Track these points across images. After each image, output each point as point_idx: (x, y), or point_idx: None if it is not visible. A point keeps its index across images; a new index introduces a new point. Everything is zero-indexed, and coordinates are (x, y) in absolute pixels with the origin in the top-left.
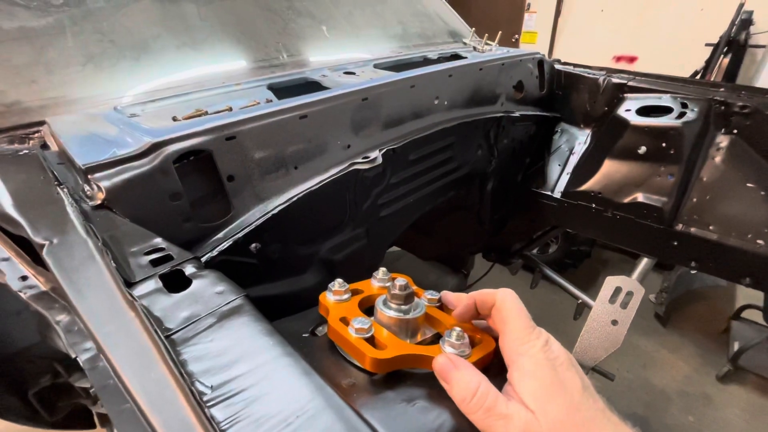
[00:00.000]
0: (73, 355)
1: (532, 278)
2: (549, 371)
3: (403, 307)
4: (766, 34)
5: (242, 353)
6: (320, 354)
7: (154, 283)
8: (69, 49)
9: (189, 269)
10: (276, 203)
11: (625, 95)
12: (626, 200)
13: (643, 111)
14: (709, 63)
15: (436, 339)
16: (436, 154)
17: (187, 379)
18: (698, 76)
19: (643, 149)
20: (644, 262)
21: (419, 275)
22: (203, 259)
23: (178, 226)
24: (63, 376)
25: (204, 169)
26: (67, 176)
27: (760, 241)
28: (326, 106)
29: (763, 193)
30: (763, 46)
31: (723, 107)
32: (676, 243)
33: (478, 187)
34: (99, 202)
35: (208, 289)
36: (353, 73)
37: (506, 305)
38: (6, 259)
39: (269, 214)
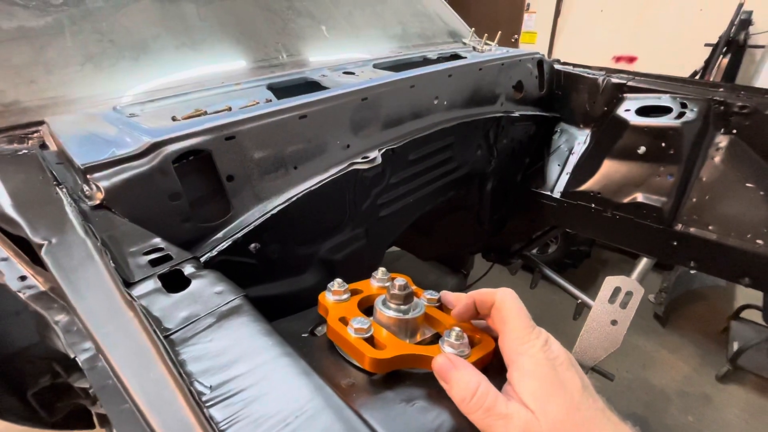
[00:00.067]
0: (72, 356)
1: (531, 278)
2: (549, 371)
3: (402, 307)
4: (766, 34)
5: (241, 353)
6: (319, 354)
7: (153, 283)
8: (68, 48)
9: (188, 269)
10: (275, 203)
11: (625, 95)
12: (626, 200)
13: (643, 111)
14: (709, 63)
15: (436, 339)
16: (436, 154)
17: (186, 379)
18: (698, 76)
19: (642, 149)
20: (644, 262)
21: (419, 275)
22: (202, 259)
23: (178, 226)
24: (62, 377)
25: (203, 169)
26: (66, 176)
27: (759, 241)
28: (326, 106)
29: (762, 193)
30: (763, 47)
31: (722, 107)
32: (675, 243)
33: (477, 187)
34: (98, 202)
35: (207, 289)
36: (353, 73)
37: (506, 305)
38: (5, 259)
39: (268, 214)
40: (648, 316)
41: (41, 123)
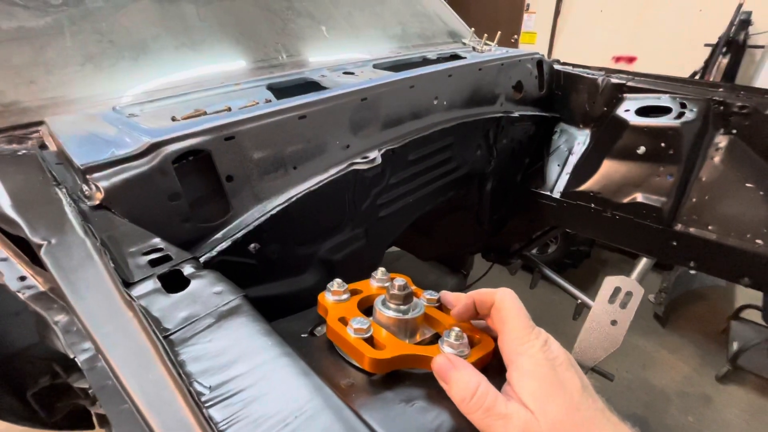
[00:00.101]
0: (72, 356)
1: (531, 278)
2: (548, 371)
3: (401, 307)
4: (765, 34)
5: (241, 353)
6: (319, 354)
7: (152, 284)
8: (68, 49)
9: (187, 269)
10: (275, 203)
11: (624, 95)
12: (625, 200)
13: (642, 111)
14: (708, 63)
15: (435, 339)
16: (436, 154)
17: (186, 379)
18: (697, 77)
19: (642, 149)
20: (643, 262)
21: (419, 275)
22: (202, 260)
23: (177, 226)
24: (62, 377)
25: (203, 170)
26: (66, 176)
27: (759, 241)
28: (325, 106)
29: (762, 193)
30: (762, 47)
31: (722, 107)
32: (675, 243)
33: (477, 187)
34: (97, 202)
35: (207, 290)
36: (352, 74)
37: (505, 305)
38: (4, 260)
39: (268, 215)
40: (648, 316)
41: (41, 123)
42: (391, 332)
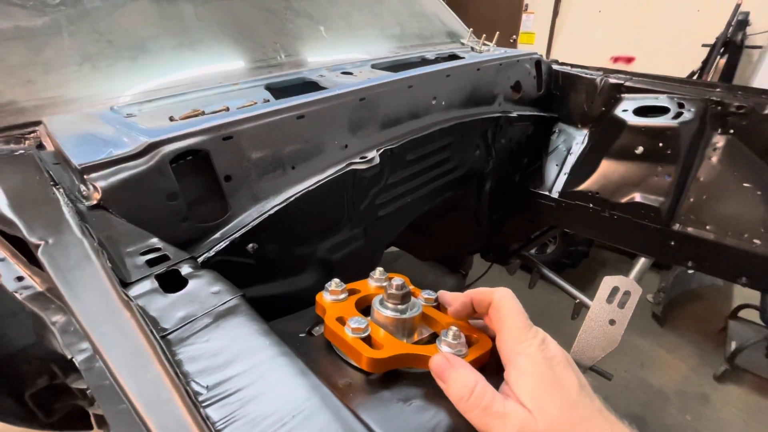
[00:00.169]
0: (69, 356)
1: (530, 278)
2: (546, 370)
3: (399, 306)
4: (763, 34)
5: (238, 353)
6: (317, 354)
7: (150, 284)
8: (65, 48)
9: (185, 269)
10: (273, 203)
11: (622, 95)
12: (624, 200)
13: (640, 111)
14: (706, 63)
15: (433, 338)
16: (434, 154)
17: (183, 379)
18: (695, 77)
19: (640, 149)
20: (641, 262)
21: (417, 275)
22: (200, 260)
23: (175, 226)
24: (59, 378)
25: (201, 169)
26: (63, 176)
27: (756, 241)
28: (324, 106)
29: (759, 192)
30: (760, 47)
31: (719, 107)
32: (673, 243)
33: (475, 187)
34: (95, 202)
35: (204, 289)
36: (351, 73)
37: (503, 304)
38: (1, 260)
39: (266, 214)
40: (646, 315)
41: (38, 123)
42: (389, 332)
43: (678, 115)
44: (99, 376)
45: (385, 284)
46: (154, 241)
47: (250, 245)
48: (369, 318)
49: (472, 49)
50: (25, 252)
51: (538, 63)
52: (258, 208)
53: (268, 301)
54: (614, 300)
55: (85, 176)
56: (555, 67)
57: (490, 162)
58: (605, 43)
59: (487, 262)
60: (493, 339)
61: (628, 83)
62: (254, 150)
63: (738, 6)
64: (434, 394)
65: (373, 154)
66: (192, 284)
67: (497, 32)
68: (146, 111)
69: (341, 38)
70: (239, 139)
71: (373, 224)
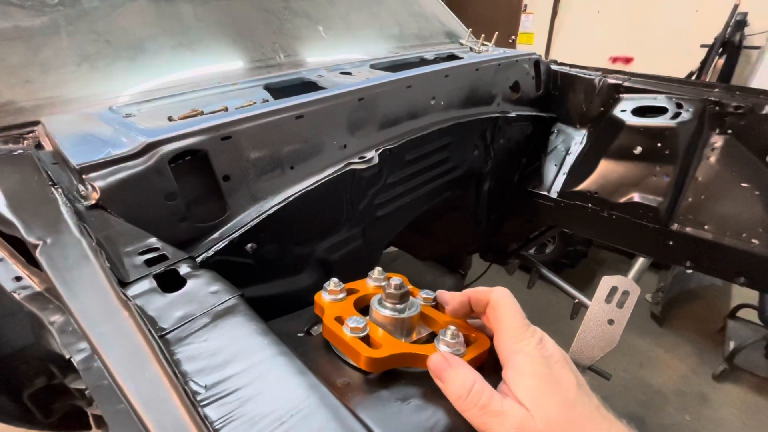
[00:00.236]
0: (67, 356)
1: (529, 278)
2: (544, 369)
3: (398, 306)
4: (761, 35)
5: (236, 353)
6: (315, 353)
7: (148, 283)
8: (64, 48)
9: (184, 269)
10: (272, 203)
11: (621, 96)
12: (622, 200)
13: (639, 111)
14: (704, 64)
15: (432, 338)
16: (433, 154)
17: (181, 378)
18: (693, 77)
19: (638, 149)
20: (640, 262)
21: (416, 275)
22: (199, 259)
23: (174, 226)
24: (58, 378)
25: (199, 169)
26: (62, 176)
27: (754, 241)
28: (322, 106)
29: (757, 192)
30: (758, 47)
31: (717, 107)
32: (671, 243)
33: (474, 187)
34: (93, 202)
35: (203, 289)
36: (350, 74)
37: (501, 304)
38: (0, 260)
39: (265, 214)
40: (645, 315)
41: (37, 123)
42: (387, 331)
43: (676, 115)
44: (97, 375)
45: (383, 284)
46: (153, 240)
47: (249, 245)
48: (367, 317)
49: (471, 49)
50: (24, 252)
51: (536, 63)
52: (257, 208)
53: (266, 301)
54: (613, 300)
55: (83, 176)
56: (554, 67)
57: (489, 162)
58: (604, 43)
59: (486, 262)
60: (491, 338)
61: (626, 83)
62: (253, 150)
63: (736, 6)
64: (432, 393)
65: (372, 154)
66: (190, 284)
67: (496, 32)
68: (145, 111)
69: (340, 38)
70: (238, 139)
71: (371, 224)
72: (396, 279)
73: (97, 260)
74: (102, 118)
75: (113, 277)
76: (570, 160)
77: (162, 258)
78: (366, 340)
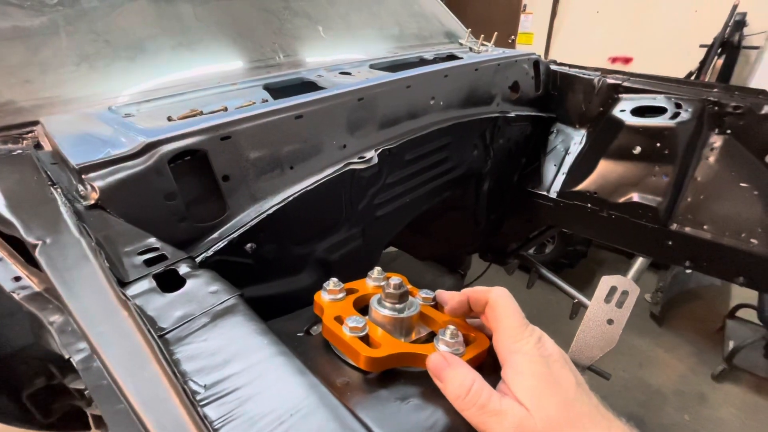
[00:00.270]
0: (67, 356)
1: (528, 278)
2: (542, 368)
3: (397, 306)
4: (760, 35)
5: (236, 352)
6: (315, 353)
7: (147, 283)
8: (63, 48)
9: (183, 269)
10: (271, 203)
11: (620, 96)
12: (621, 200)
13: (638, 111)
14: (703, 64)
15: (431, 338)
16: (432, 154)
17: (180, 378)
18: (693, 77)
19: (637, 149)
20: (639, 262)
21: (416, 275)
22: (198, 259)
23: (173, 226)
24: (57, 378)
25: (199, 169)
26: (61, 176)
27: (753, 240)
28: (322, 106)
29: (756, 192)
30: (757, 48)
31: (716, 107)
32: (670, 242)
33: (473, 187)
34: (93, 202)
35: (202, 289)
36: (349, 74)
37: (500, 303)
38: None
39: (264, 214)
40: (644, 315)
41: (36, 123)
42: (386, 331)
43: (675, 115)
44: (96, 375)
45: (382, 284)
46: (152, 240)
47: (249, 245)
48: (367, 317)
49: (471, 49)
50: (23, 252)
51: (536, 63)
52: (256, 208)
53: (266, 301)
54: (612, 300)
55: (82, 176)
56: (553, 67)
57: (489, 162)
58: (603, 43)
59: (485, 262)
60: (490, 338)
61: (625, 83)
62: (252, 150)
63: (735, 7)
64: (432, 392)
65: (372, 154)
66: (190, 284)
67: (495, 33)
68: (144, 111)
69: (340, 38)
70: (237, 139)
71: (371, 224)
72: (395, 279)
73: (97, 260)
74: (101, 118)
75: (112, 276)
76: (569, 160)
77: (161, 258)
78: (365, 339)
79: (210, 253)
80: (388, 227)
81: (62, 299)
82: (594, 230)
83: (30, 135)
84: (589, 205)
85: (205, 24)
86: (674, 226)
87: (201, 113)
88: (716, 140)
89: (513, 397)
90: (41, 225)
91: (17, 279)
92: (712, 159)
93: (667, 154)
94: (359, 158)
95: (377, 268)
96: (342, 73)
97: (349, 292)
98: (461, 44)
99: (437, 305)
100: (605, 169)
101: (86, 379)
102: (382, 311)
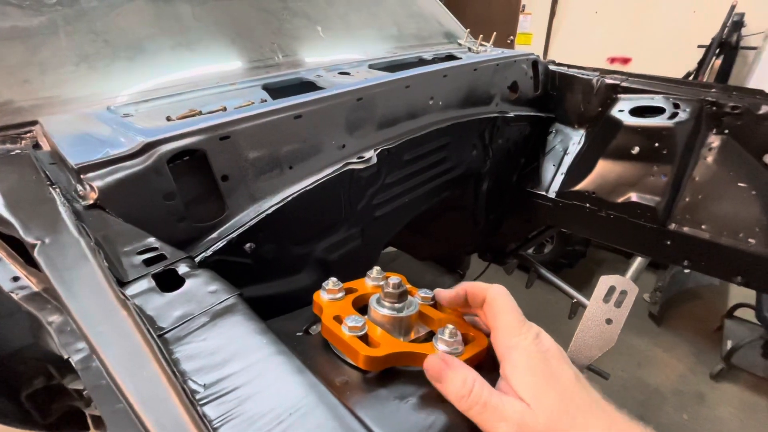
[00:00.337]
0: (66, 356)
1: (527, 278)
2: (541, 363)
3: (396, 305)
4: (757, 36)
5: (235, 352)
6: (314, 352)
7: (146, 283)
8: (62, 48)
9: (182, 268)
10: (270, 203)
11: (619, 96)
12: (620, 200)
13: (636, 111)
14: (702, 64)
15: (430, 337)
16: (431, 154)
17: (180, 377)
18: (691, 78)
19: (636, 149)
20: (638, 262)
21: (415, 275)
22: (197, 259)
23: (172, 225)
24: (56, 378)
25: (198, 169)
26: (60, 176)
27: (751, 240)
28: (321, 106)
29: (754, 192)
30: (755, 48)
31: (714, 108)
32: (669, 242)
33: (472, 187)
34: (91, 201)
35: (202, 289)
36: (348, 74)
37: (497, 301)
38: None
39: (264, 214)
40: (643, 315)
41: (35, 123)
42: (385, 330)
43: (673, 115)
44: (96, 375)
45: (382, 283)
46: (151, 240)
47: (248, 245)
48: (366, 317)
49: (470, 49)
50: (22, 252)
51: (535, 63)
52: (255, 208)
53: (265, 301)
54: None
55: (81, 176)
56: (552, 67)
57: (487, 162)
58: (602, 43)
59: (484, 262)
60: (488, 335)
61: (624, 84)
62: (251, 150)
63: (733, 7)
64: (430, 392)
65: (371, 154)
66: (189, 283)
67: (494, 33)
68: (143, 111)
69: (339, 38)
70: (236, 139)
71: (370, 224)
72: (394, 278)
73: (96, 260)
74: (100, 118)
75: (112, 276)
76: (568, 160)
77: (160, 257)
78: (364, 339)
79: (209, 252)
80: (387, 227)
81: (61, 299)
82: (593, 230)
83: (29, 135)
84: (588, 205)
85: (204, 24)
86: (672, 226)
87: (200, 113)
88: (714, 140)
89: (513, 393)
90: (40, 225)
91: (16, 279)
92: (710, 159)
93: (665, 154)
94: (358, 158)
95: (376, 268)
96: (341, 73)
97: (348, 291)
98: (460, 44)
99: (436, 305)
100: (604, 169)
101: (85, 379)
102: (381, 311)
